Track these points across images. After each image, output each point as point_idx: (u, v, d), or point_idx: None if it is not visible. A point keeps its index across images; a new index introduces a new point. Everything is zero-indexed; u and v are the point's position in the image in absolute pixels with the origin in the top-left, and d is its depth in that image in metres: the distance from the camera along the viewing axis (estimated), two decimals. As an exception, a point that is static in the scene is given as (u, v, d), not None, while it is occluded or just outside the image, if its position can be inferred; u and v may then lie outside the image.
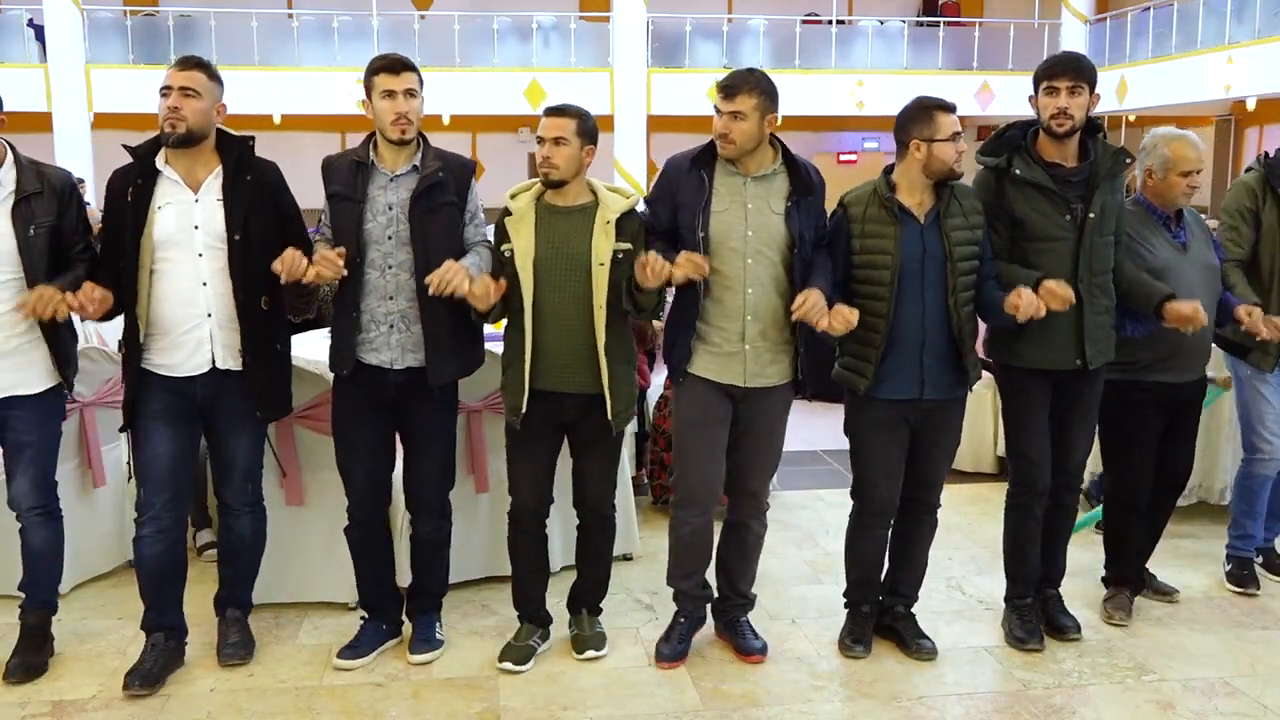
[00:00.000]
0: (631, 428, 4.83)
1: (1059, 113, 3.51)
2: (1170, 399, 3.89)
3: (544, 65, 18.12)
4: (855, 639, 3.75)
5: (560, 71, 17.72)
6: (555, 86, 17.01)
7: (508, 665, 3.62)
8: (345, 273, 3.37)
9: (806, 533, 5.04)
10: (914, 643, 3.75)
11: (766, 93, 3.40)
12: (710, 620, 3.86)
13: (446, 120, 17.58)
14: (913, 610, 3.84)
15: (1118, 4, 20.61)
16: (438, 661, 3.71)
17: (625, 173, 17.50)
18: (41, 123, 16.07)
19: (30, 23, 17.34)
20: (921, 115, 3.46)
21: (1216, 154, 18.02)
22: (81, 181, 12.78)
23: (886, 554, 3.79)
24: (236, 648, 3.66)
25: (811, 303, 3.29)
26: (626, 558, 4.61)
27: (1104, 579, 4.16)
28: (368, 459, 3.61)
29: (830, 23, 19.35)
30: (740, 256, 3.43)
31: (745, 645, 3.74)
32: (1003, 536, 3.86)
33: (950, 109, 3.48)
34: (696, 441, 3.58)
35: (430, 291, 3.29)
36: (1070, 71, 3.51)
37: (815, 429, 6.50)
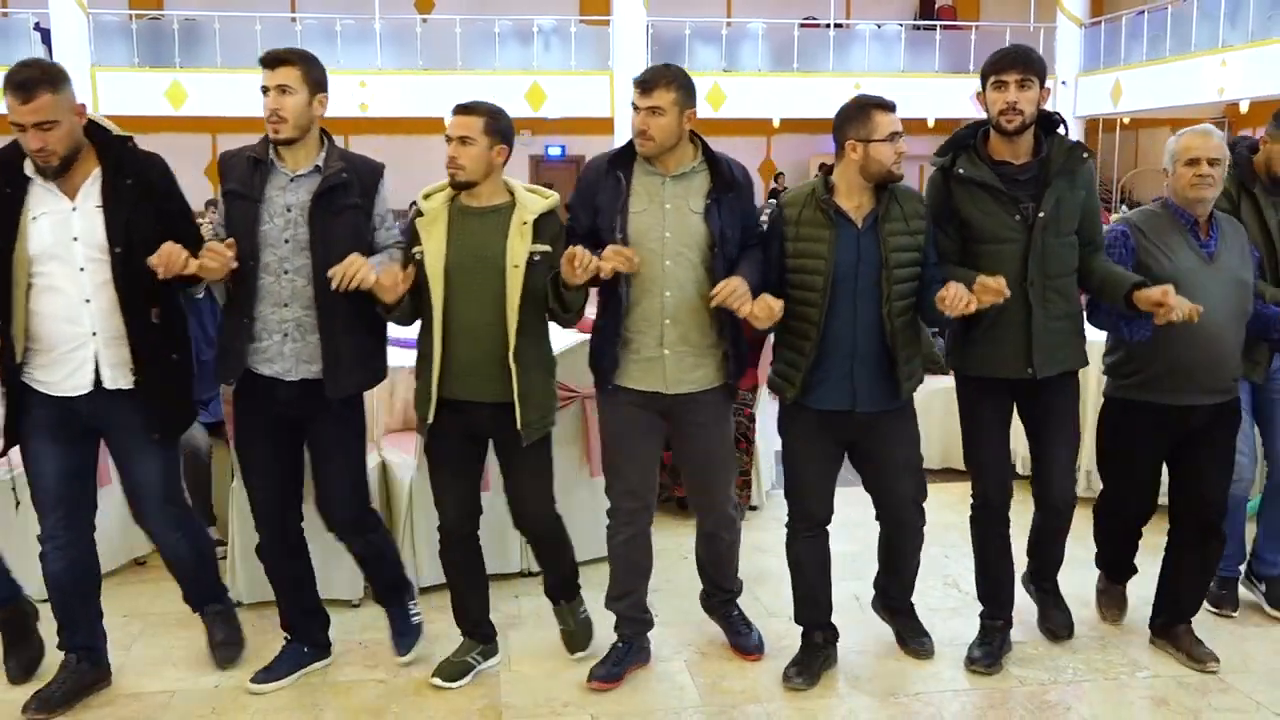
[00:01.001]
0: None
1: (1008, 108, 3.29)
2: (1177, 422, 3.51)
3: (544, 68, 18.14)
4: (799, 670, 3.51)
5: (560, 74, 17.73)
6: (556, 89, 17.04)
7: (437, 681, 3.47)
8: (235, 265, 3.12)
9: (804, 531, 5.03)
10: (914, 641, 3.71)
11: (684, 87, 3.25)
12: (714, 619, 3.81)
13: (448, 122, 17.56)
14: (911, 603, 3.76)
15: (1112, 7, 20.63)
16: (437, 656, 3.64)
17: (625, 174, 17.48)
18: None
19: (36, 26, 17.37)
20: (858, 115, 3.26)
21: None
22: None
23: (829, 568, 3.60)
24: (224, 647, 3.56)
25: (731, 288, 3.12)
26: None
27: (1096, 561, 4.01)
28: (266, 479, 3.39)
29: (828, 26, 19.38)
30: (659, 258, 3.26)
31: (743, 644, 3.71)
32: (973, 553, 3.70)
33: (889, 108, 3.27)
34: (622, 450, 3.45)
35: (333, 286, 3.08)
36: (1019, 65, 3.29)
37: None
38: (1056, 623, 3.83)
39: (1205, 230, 3.49)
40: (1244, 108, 15.76)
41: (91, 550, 3.39)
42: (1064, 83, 19.02)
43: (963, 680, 3.58)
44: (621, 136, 18.92)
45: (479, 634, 3.61)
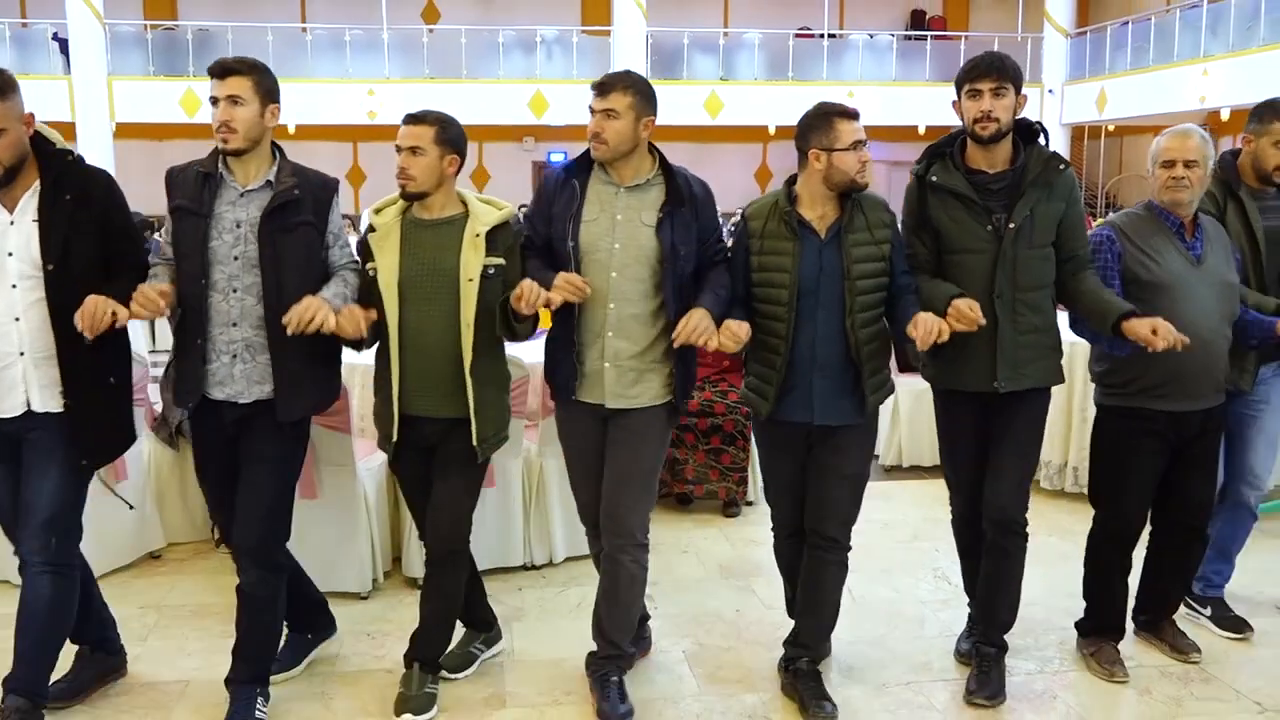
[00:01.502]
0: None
1: (983, 116, 3.13)
2: (1173, 429, 3.39)
3: (547, 77, 18.14)
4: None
5: (562, 83, 17.72)
6: (558, 97, 17.04)
7: (443, 673, 3.39)
8: (167, 313, 2.98)
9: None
10: (814, 704, 3.21)
11: (643, 94, 3.11)
12: (590, 679, 3.39)
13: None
14: (818, 667, 3.37)
15: (1098, 18, 20.65)
16: (446, 649, 3.67)
17: (625, 180, 17.50)
18: (65, 132, 15.94)
19: (55, 36, 17.41)
20: (820, 123, 3.11)
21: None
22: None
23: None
24: None
25: (693, 325, 3.00)
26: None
27: (1079, 626, 3.68)
28: (230, 495, 3.15)
29: (822, 36, 19.37)
30: (605, 270, 3.12)
31: (606, 709, 3.19)
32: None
33: (852, 115, 3.11)
34: (577, 468, 3.36)
35: (289, 331, 2.89)
36: (993, 72, 3.13)
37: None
38: (993, 689, 3.35)
39: (1191, 232, 3.39)
40: (1225, 115, 15.74)
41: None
42: (1050, 91, 19.04)
43: (952, 670, 3.58)
44: (622, 143, 18.96)
45: (479, 623, 3.58)
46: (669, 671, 3.56)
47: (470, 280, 3.09)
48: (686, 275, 3.19)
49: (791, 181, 3.24)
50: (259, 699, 3.17)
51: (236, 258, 3.02)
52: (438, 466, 3.26)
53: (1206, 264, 3.36)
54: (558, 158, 21.81)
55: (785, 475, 3.35)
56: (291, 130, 17.01)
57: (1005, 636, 3.44)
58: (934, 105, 17.97)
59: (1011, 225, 3.17)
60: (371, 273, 3.15)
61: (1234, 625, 3.83)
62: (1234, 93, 14.89)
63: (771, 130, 18.63)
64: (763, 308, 3.18)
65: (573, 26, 19.56)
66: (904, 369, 3.48)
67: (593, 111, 3.13)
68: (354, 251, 3.27)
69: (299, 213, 3.06)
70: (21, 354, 2.94)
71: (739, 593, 4.19)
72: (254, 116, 3.00)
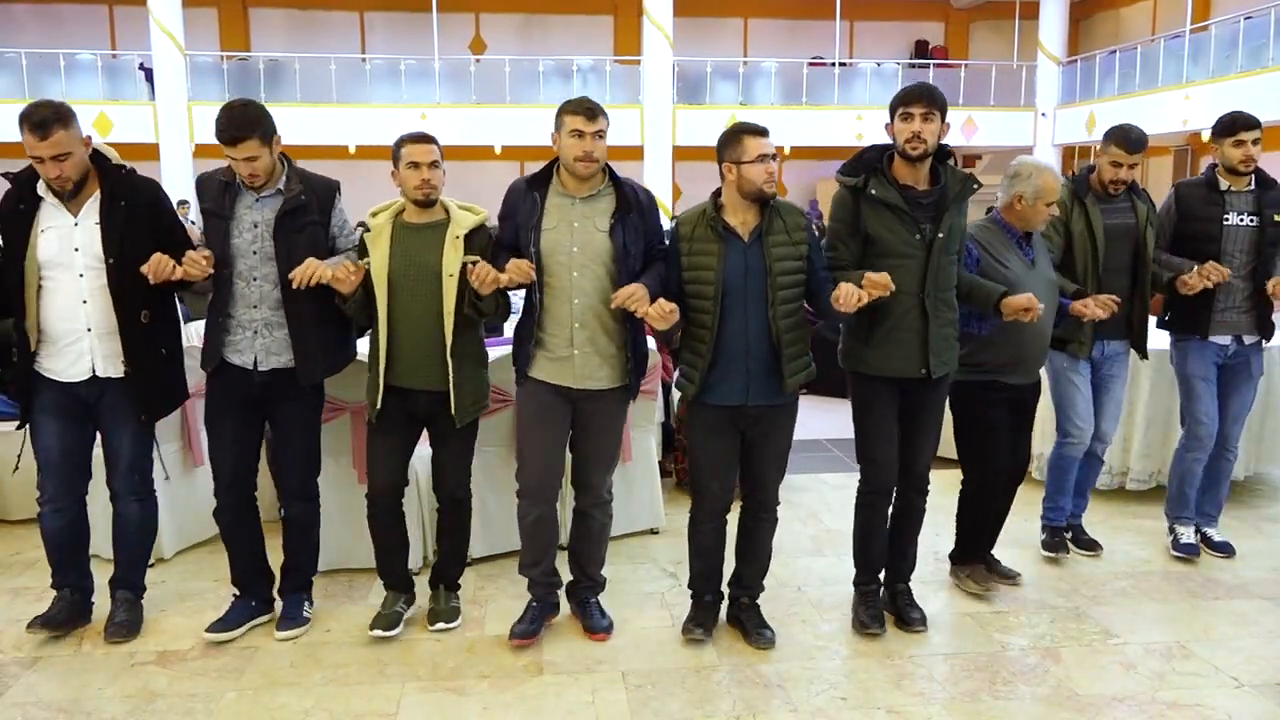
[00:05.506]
0: (658, 417, 4.81)
1: (913, 137, 3.29)
2: (1015, 398, 3.77)
3: (583, 102, 18.12)
4: (696, 623, 3.55)
5: (597, 107, 17.71)
6: (592, 121, 17.05)
7: (378, 632, 3.50)
8: (211, 270, 3.26)
9: (811, 511, 5.02)
10: (755, 632, 3.52)
11: (606, 119, 3.30)
12: (572, 606, 3.71)
13: (498, 150, 17.63)
14: (757, 601, 3.62)
15: (1088, 47, 20.43)
16: (487, 619, 3.70)
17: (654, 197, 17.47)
18: (150, 153, 16.27)
19: (141, 66, 17.60)
20: (731, 139, 3.26)
21: (1175, 179, 17.83)
22: (185, 203, 12.94)
23: (729, 545, 3.58)
24: (120, 626, 3.52)
25: (629, 293, 3.14)
26: (653, 532, 4.62)
27: (952, 558, 4.06)
28: (232, 448, 3.45)
29: (833, 65, 19.28)
30: (567, 270, 3.28)
31: (592, 624, 3.59)
32: (852, 530, 3.68)
33: (759, 133, 3.25)
34: (534, 437, 3.43)
35: (294, 285, 3.20)
36: (924, 99, 3.29)
37: (819, 419, 6.48)
38: (912, 618, 3.66)
39: (1027, 240, 3.73)
40: (1206, 136, 15.52)
41: (83, 512, 3.52)
42: (1044, 114, 18.86)
43: (951, 645, 3.55)
44: (650, 162, 18.96)
45: (401, 585, 3.66)
46: (691, 645, 3.54)
47: (450, 275, 3.31)
48: (637, 272, 3.33)
49: (718, 193, 3.36)
50: (305, 602, 3.67)
51: (255, 252, 3.32)
52: (435, 436, 3.54)
53: (1038, 266, 3.72)
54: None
55: (714, 457, 3.42)
56: (352, 150, 17.17)
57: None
58: (936, 127, 17.87)
59: (940, 235, 3.35)
60: (366, 266, 3.33)
61: (1089, 545, 4.38)
62: (1215, 116, 14.36)
63: (786, 150, 18.57)
64: (692, 303, 3.30)
65: (606, 56, 19.58)
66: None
67: (581, 134, 3.24)
68: (356, 240, 3.47)
69: (306, 214, 3.35)
70: (89, 330, 3.32)
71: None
72: (269, 161, 3.30)
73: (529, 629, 3.53)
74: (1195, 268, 3.99)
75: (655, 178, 17.63)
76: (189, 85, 17.18)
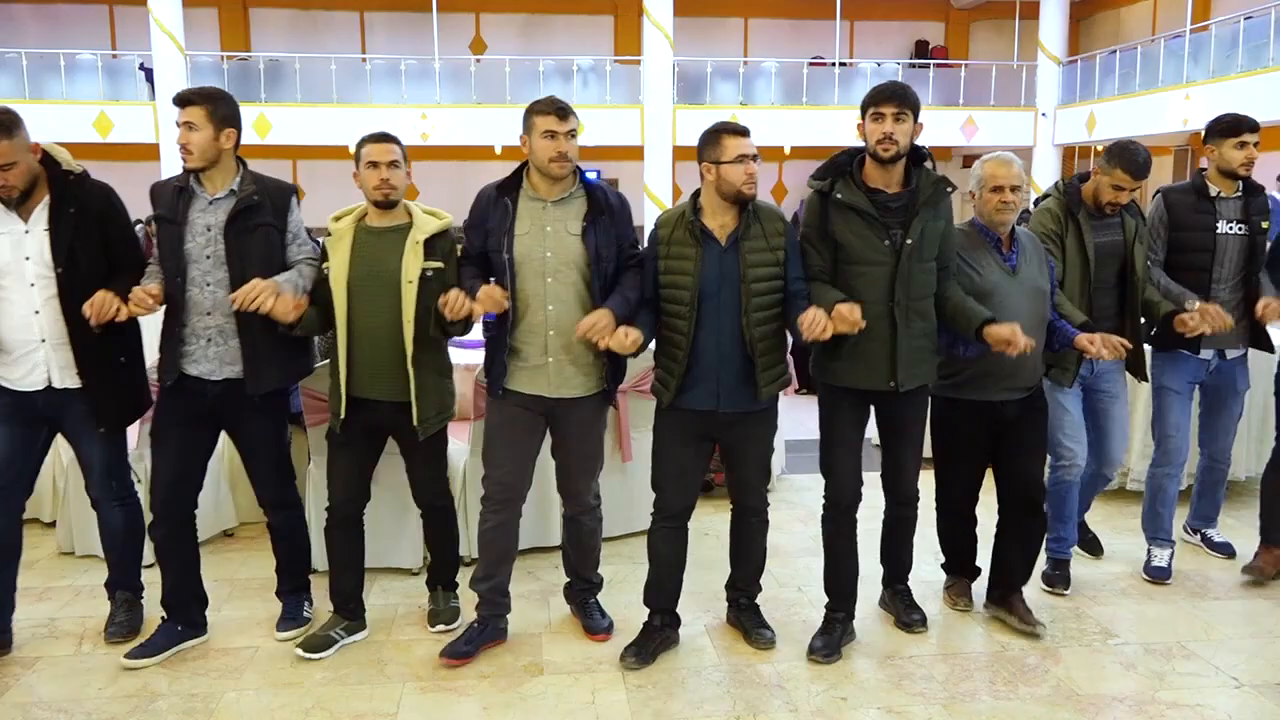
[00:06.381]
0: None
1: (884, 138, 3.16)
2: (992, 416, 3.49)
3: (583, 102, 18.11)
4: (634, 652, 3.37)
5: (597, 108, 17.72)
6: (593, 120, 17.02)
7: (300, 652, 3.39)
8: (159, 309, 3.20)
9: (811, 511, 5.01)
10: (755, 632, 3.50)
11: (576, 118, 3.28)
12: (571, 607, 3.71)
13: (499, 150, 17.62)
14: (756, 602, 3.60)
15: (1088, 47, 20.44)
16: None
17: (654, 196, 17.48)
18: (150, 153, 16.27)
19: (141, 66, 17.59)
20: (710, 139, 3.17)
21: (1174, 180, 17.84)
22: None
23: (685, 556, 3.49)
24: (121, 626, 3.50)
25: (591, 322, 3.06)
26: (653, 532, 4.62)
27: (944, 568, 3.96)
28: (177, 462, 3.33)
29: (834, 64, 19.27)
30: (541, 276, 3.21)
31: (592, 625, 3.58)
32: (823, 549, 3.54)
33: (740, 132, 3.15)
34: (501, 446, 3.34)
35: (235, 307, 3.11)
36: (896, 99, 3.17)
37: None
38: (912, 618, 3.66)
39: (1008, 245, 3.46)
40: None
41: (19, 520, 3.39)
42: (1044, 114, 18.85)
43: (951, 645, 3.55)
44: (651, 161, 18.91)
45: (347, 610, 3.53)
46: (692, 644, 3.55)
47: (410, 282, 3.23)
48: (610, 277, 3.29)
49: (697, 194, 3.28)
50: (305, 602, 3.64)
51: (208, 256, 3.23)
52: (404, 448, 3.47)
53: (1021, 274, 3.44)
54: (592, 175, 21.80)
55: (680, 461, 3.34)
56: (352, 150, 17.15)
57: None
58: (936, 128, 17.86)
59: (909, 241, 3.20)
60: (326, 271, 3.28)
61: (1091, 545, 4.36)
62: (1214, 115, 14.67)
63: (787, 150, 18.57)
64: (668, 307, 3.24)
65: (606, 56, 19.57)
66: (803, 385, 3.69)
67: (553, 135, 3.19)
68: (314, 250, 3.40)
69: (259, 216, 3.26)
70: (43, 340, 3.24)
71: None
72: (208, 140, 3.22)
73: (463, 649, 3.38)
74: (1197, 304, 3.77)
75: (655, 178, 17.64)
76: (189, 85, 17.08)
